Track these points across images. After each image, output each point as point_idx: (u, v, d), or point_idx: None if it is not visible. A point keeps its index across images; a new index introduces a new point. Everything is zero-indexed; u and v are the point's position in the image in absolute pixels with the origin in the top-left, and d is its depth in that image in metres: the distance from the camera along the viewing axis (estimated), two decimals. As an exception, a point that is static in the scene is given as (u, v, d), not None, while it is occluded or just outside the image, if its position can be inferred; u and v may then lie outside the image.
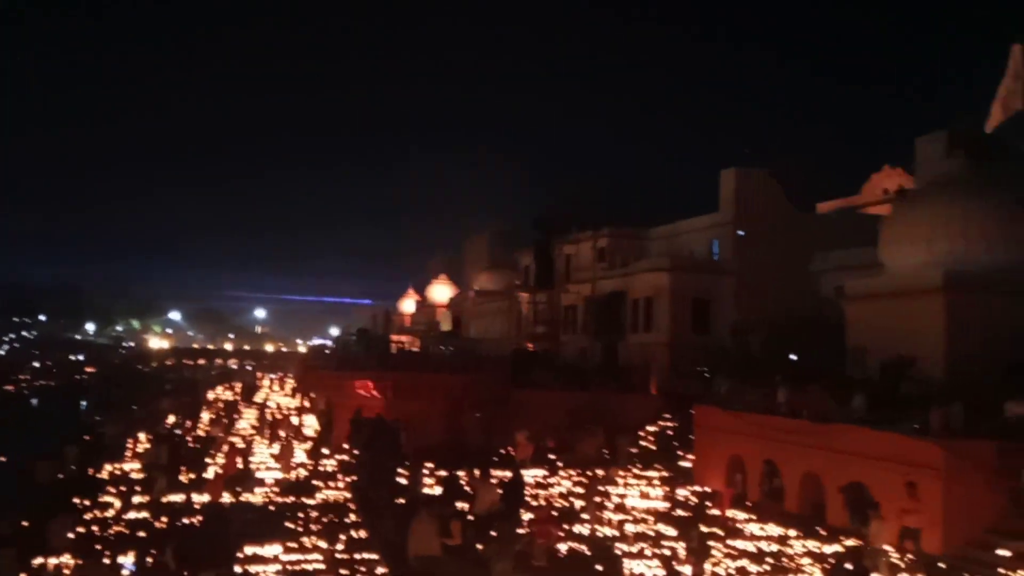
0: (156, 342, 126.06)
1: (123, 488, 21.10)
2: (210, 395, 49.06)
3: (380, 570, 14.99)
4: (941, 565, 15.90)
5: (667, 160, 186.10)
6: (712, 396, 27.90)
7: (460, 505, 19.05)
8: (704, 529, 17.86)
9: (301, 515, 18.97)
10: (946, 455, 17.26)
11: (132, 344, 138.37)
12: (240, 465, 24.05)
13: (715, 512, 20.79)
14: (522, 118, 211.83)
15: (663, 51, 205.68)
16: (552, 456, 27.94)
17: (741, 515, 20.59)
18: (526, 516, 18.31)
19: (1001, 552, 16.04)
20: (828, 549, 17.25)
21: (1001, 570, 15.18)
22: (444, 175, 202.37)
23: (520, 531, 16.95)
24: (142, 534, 16.90)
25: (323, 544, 16.37)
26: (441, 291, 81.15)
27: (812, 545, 17.73)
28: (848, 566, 14.65)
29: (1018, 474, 17.02)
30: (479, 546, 15.80)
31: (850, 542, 17.67)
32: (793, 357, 33.30)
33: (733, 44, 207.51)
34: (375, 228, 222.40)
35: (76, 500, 19.36)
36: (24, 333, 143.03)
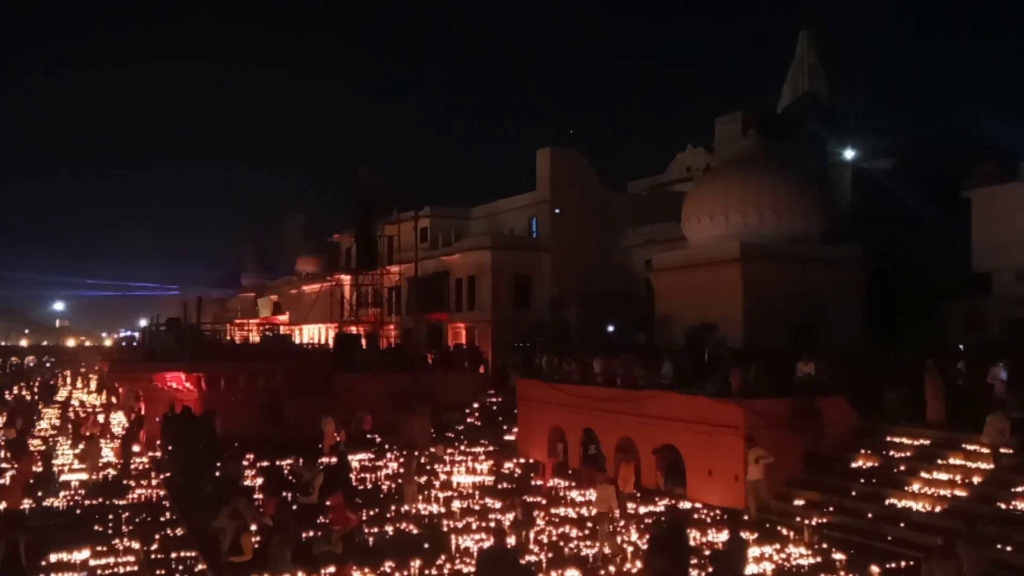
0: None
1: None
2: (5, 396, 45.33)
3: (200, 567, 14.44)
4: (745, 518, 17.07)
5: (487, 141, 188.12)
6: (533, 370, 28.61)
7: (285, 494, 18.64)
8: (528, 499, 18.33)
9: (111, 516, 17.97)
10: (746, 414, 18.48)
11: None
12: (39, 468, 22.36)
13: (538, 482, 21.41)
14: (341, 98, 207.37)
15: (479, 33, 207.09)
16: (378, 439, 27.79)
17: (563, 483, 21.28)
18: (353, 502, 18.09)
19: (797, 502, 17.47)
20: (643, 510, 18.12)
21: (798, 518, 16.47)
22: (257, 158, 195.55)
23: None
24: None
25: (136, 545, 15.57)
26: (259, 276, 78.41)
27: (628, 507, 18.53)
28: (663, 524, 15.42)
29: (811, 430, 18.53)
30: (305, 534, 15.54)
31: (664, 502, 18.72)
32: (609, 328, 34.77)
33: (546, 28, 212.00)
34: (183, 215, 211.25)
35: None
36: None
